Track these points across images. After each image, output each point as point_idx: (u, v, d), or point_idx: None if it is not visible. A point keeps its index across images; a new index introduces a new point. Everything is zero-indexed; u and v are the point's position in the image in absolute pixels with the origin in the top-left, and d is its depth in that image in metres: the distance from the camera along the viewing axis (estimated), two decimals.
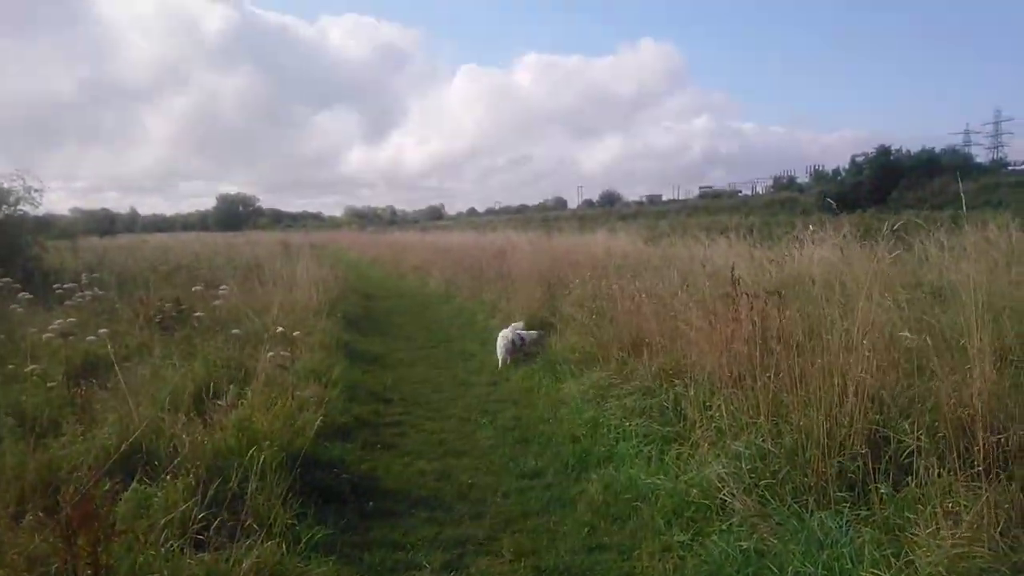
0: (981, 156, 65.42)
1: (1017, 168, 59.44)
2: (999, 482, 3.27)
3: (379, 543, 4.36)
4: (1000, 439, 3.62)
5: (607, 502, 4.79)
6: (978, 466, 3.39)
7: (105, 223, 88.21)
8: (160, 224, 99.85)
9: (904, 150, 46.79)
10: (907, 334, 4.11)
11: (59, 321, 7.53)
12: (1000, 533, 3.07)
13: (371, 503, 4.95)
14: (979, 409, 3.59)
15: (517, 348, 9.12)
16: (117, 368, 5.52)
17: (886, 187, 42.32)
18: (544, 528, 4.55)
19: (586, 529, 4.47)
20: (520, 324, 9.63)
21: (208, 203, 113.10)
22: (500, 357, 9.09)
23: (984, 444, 3.52)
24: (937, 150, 50.23)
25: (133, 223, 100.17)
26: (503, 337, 9.20)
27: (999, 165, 62.06)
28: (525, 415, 7.02)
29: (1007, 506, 3.13)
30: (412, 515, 4.81)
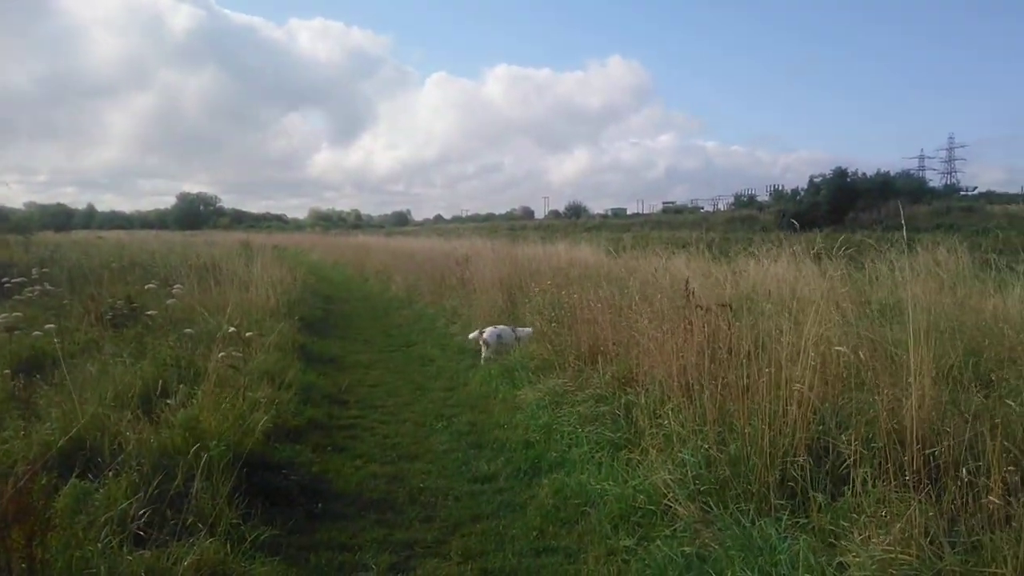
0: (935, 181, 67.77)
1: (969, 194, 61.63)
2: (927, 493, 3.39)
3: (326, 544, 4.34)
4: (933, 452, 3.75)
5: (557, 506, 4.83)
6: (909, 477, 3.51)
7: (61, 218, 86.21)
8: (118, 221, 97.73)
9: (860, 173, 48.15)
10: (841, 348, 4.23)
11: (4, 315, 7.35)
12: (930, 541, 3.18)
13: (320, 505, 4.92)
14: (913, 423, 3.72)
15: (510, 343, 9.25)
16: (63, 364, 5.41)
17: (843, 208, 43.42)
18: (493, 531, 4.57)
19: (535, 533, 4.51)
20: (507, 328, 9.64)
21: (168, 202, 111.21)
22: (488, 351, 9.19)
23: (916, 457, 3.65)
24: (892, 173, 51.83)
25: (90, 219, 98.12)
26: (495, 334, 9.32)
27: (951, 190, 64.25)
28: (481, 420, 7.04)
29: (933, 515, 3.24)
30: (361, 517, 4.79)
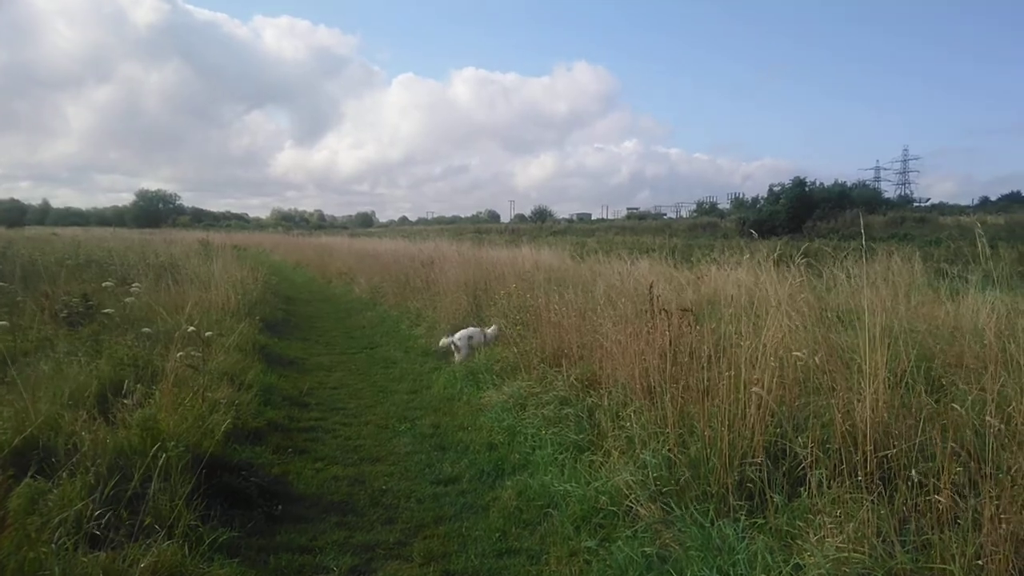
0: (889, 192, 69.81)
1: (922, 205, 63.51)
2: (880, 494, 3.48)
3: (286, 547, 4.29)
4: (886, 455, 3.85)
5: (520, 508, 4.86)
6: (862, 478, 3.60)
7: (14, 214, 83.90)
8: (74, 218, 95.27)
9: (818, 183, 49.29)
10: (798, 353, 4.32)
11: None
12: (882, 540, 3.27)
13: (280, 507, 4.86)
14: (866, 426, 3.81)
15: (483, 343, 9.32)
16: (16, 362, 5.27)
17: (801, 216, 44.24)
18: (456, 533, 4.57)
19: (497, 534, 4.52)
20: (477, 330, 9.64)
21: (126, 199, 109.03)
22: (463, 355, 9.23)
23: (869, 458, 3.74)
24: (849, 184, 53.13)
25: (45, 215, 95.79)
26: (466, 336, 9.43)
27: (905, 201, 66.16)
28: (444, 423, 7.02)
29: (885, 514, 3.32)
30: (322, 520, 4.75)
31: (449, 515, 4.87)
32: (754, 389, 4.16)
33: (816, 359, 4.28)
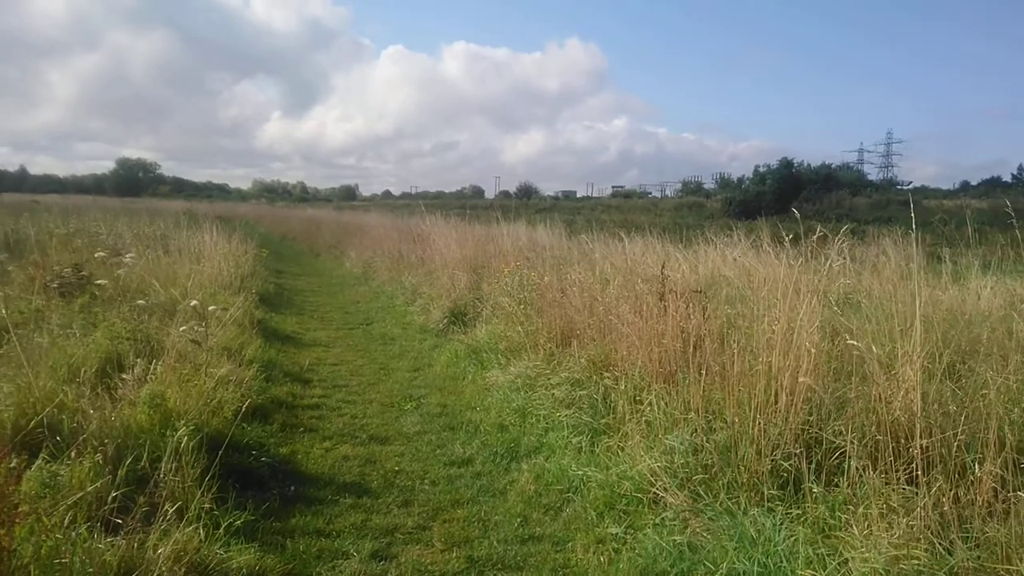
0: (872, 174, 70.30)
1: (905, 188, 64.03)
2: (929, 487, 3.37)
3: (303, 530, 4.15)
4: (929, 443, 3.74)
5: (538, 492, 4.74)
6: (913, 470, 3.49)
7: None
8: (52, 185, 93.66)
9: (805, 164, 49.38)
10: (854, 342, 4.19)
11: None
12: (938, 536, 3.16)
13: (292, 488, 4.72)
14: (912, 414, 3.71)
15: None
16: (8, 334, 5.05)
17: (787, 198, 44.29)
18: (475, 518, 4.45)
19: (518, 519, 4.41)
20: None
21: (106, 166, 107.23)
22: None
23: (912, 449, 3.64)
24: (834, 166, 53.31)
25: (22, 182, 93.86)
26: None
27: (889, 184, 66.62)
28: (451, 402, 6.88)
29: (947, 509, 3.22)
30: (336, 502, 4.60)
31: (466, 498, 4.75)
32: (801, 379, 4.04)
33: (847, 341, 4.16)
